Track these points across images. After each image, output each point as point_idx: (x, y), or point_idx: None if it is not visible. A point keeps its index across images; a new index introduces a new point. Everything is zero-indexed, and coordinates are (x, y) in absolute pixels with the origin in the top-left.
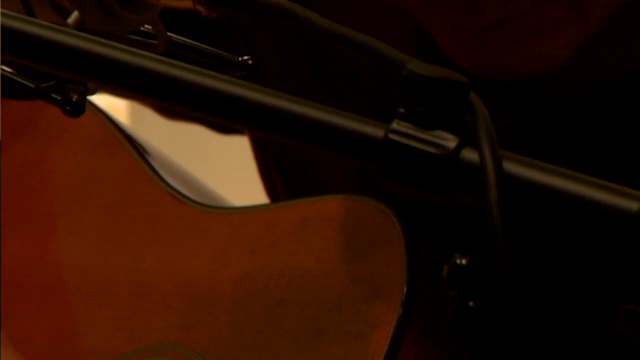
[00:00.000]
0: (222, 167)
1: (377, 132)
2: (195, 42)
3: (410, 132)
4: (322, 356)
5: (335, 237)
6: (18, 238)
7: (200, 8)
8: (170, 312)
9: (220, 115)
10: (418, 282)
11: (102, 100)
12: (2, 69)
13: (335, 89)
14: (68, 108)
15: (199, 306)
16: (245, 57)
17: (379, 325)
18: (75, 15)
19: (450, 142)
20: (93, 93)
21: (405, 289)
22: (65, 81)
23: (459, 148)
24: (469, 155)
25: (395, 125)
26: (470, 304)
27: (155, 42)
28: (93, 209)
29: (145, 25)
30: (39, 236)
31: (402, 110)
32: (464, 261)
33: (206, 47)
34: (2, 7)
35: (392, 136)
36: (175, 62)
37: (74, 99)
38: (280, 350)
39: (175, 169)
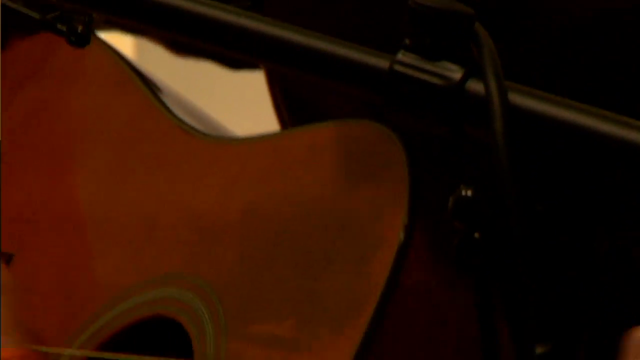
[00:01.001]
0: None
1: (382, 63)
2: None
3: (416, 63)
4: (327, 282)
5: (339, 162)
6: (31, 176)
7: None
8: (179, 243)
9: (226, 46)
10: (422, 207)
11: (109, 37)
12: (7, 2)
13: (340, 19)
14: (73, 39)
15: (207, 236)
16: None
17: (382, 246)
18: None
19: (456, 73)
20: (99, 26)
21: (407, 210)
22: (70, 12)
23: (464, 79)
24: (475, 86)
25: (400, 56)
26: (476, 235)
27: None
28: (104, 145)
29: None
30: (52, 173)
31: (407, 41)
32: (469, 193)
33: None
34: None
35: (397, 67)
36: None
37: (78, 30)
38: (286, 278)
39: (184, 103)
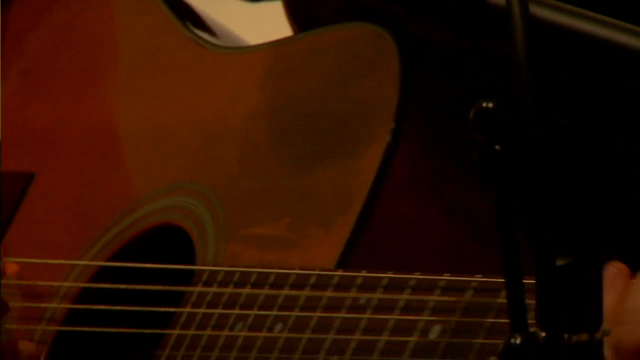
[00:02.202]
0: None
1: None
2: None
3: None
4: (318, 179)
5: (334, 65)
6: (55, 97)
7: None
8: (186, 152)
9: None
10: (415, 106)
11: None
12: None
13: None
14: None
15: (211, 143)
16: None
17: (372, 143)
18: None
19: None
20: None
21: (396, 108)
22: None
23: None
24: None
25: None
26: (497, 147)
27: None
28: (123, 63)
29: None
30: (74, 93)
31: None
32: (490, 105)
33: None
34: None
35: None
36: None
37: None
38: (282, 177)
39: (198, 14)
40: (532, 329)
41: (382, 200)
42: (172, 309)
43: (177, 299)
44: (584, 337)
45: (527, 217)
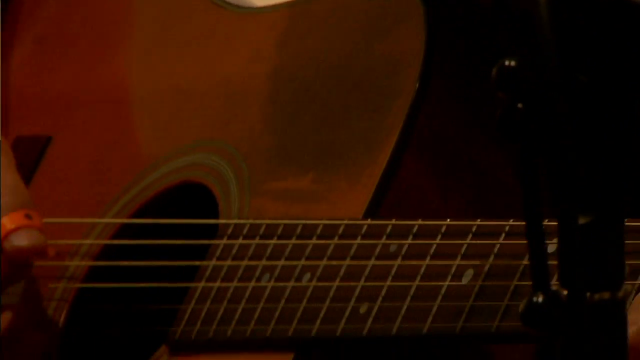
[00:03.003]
0: None
1: None
2: None
3: None
4: (345, 132)
5: (360, 19)
6: (67, 62)
7: None
8: (207, 112)
9: None
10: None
11: None
12: None
13: None
14: None
15: (233, 102)
16: None
17: (398, 97)
18: None
19: None
20: None
21: (422, 63)
22: None
23: None
24: None
25: None
26: (519, 105)
27: None
28: (138, 26)
29: None
30: (87, 59)
31: None
32: (512, 63)
33: None
34: None
35: None
36: None
37: None
38: (307, 133)
39: None
40: (554, 288)
41: (409, 151)
42: (197, 262)
43: (202, 255)
44: (606, 295)
45: (550, 175)
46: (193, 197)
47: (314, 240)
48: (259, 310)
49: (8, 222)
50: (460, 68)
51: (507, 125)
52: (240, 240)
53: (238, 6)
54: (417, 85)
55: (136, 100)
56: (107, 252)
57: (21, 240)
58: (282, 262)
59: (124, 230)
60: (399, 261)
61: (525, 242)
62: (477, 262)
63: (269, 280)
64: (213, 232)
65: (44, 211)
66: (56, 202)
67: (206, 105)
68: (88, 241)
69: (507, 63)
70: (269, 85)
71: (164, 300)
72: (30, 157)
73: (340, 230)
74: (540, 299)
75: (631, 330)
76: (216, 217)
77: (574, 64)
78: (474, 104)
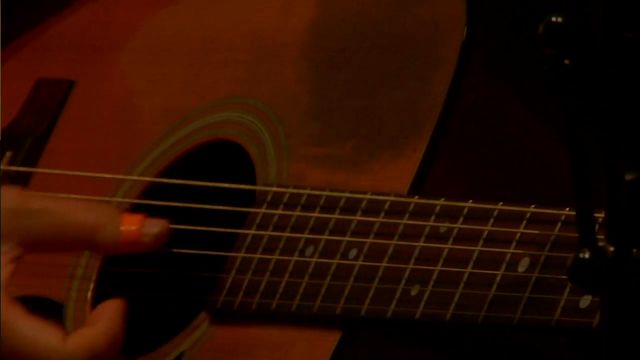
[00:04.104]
0: None
1: None
2: None
3: None
4: (384, 100)
5: None
6: (98, 2)
7: None
8: (237, 66)
9: None
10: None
11: None
12: None
13: None
14: None
15: (264, 58)
16: None
17: (441, 65)
18: None
19: None
20: None
21: (465, 29)
22: None
23: None
24: None
25: None
26: (566, 62)
27: None
28: None
29: None
30: (119, 0)
31: None
32: (559, 19)
33: None
34: None
35: None
36: None
37: None
38: (345, 96)
39: None
40: (600, 244)
41: (454, 121)
42: (237, 231)
43: (236, 220)
44: None
45: (597, 131)
46: (226, 156)
47: (359, 216)
48: (304, 285)
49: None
50: (501, 37)
51: (553, 81)
52: (280, 210)
53: None
54: (459, 54)
55: (163, 45)
56: (135, 210)
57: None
58: (326, 236)
59: (153, 188)
60: (449, 244)
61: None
62: (533, 252)
63: (313, 253)
64: (248, 196)
65: (69, 161)
66: (81, 151)
67: (236, 59)
68: (117, 199)
69: (554, 19)
70: (301, 42)
71: (198, 268)
72: (52, 101)
73: (387, 206)
74: (586, 255)
75: None
76: (250, 177)
77: (622, 20)
78: (515, 75)
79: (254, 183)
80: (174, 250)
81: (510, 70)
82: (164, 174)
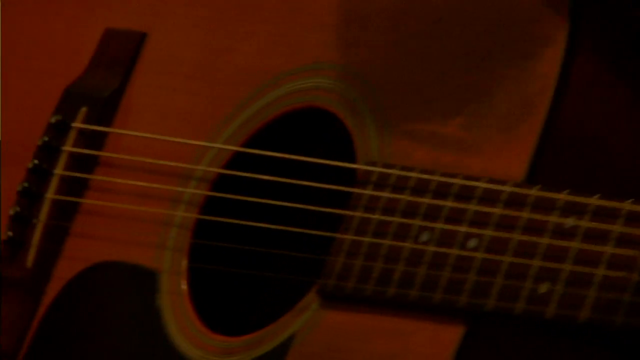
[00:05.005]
0: None
1: None
2: None
3: None
4: (491, 78)
5: None
6: None
7: None
8: (325, 30)
9: None
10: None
11: None
12: None
13: None
14: None
15: (355, 23)
16: None
17: (549, 44)
18: None
19: None
20: None
21: (572, 5)
22: None
23: None
24: None
25: None
26: None
27: None
28: None
29: None
30: None
31: None
32: None
33: None
34: None
35: None
36: None
37: None
38: (445, 71)
39: None
40: None
41: (565, 106)
42: (346, 212)
43: (338, 200)
44: None
45: None
46: (317, 124)
47: (475, 205)
48: (421, 275)
49: None
50: (610, 14)
51: None
52: (389, 193)
53: None
54: (569, 31)
55: (245, 4)
56: (224, 178)
57: None
58: (442, 225)
59: (242, 155)
60: (577, 242)
61: None
62: None
63: (428, 240)
64: (347, 171)
65: (148, 120)
66: (159, 111)
67: (323, 22)
68: (202, 167)
69: None
70: (394, 9)
71: (294, 247)
72: (124, 54)
73: (504, 195)
74: None
75: None
76: (345, 148)
77: None
78: (628, 40)
79: (346, 154)
80: (282, 227)
81: (622, 40)
82: (251, 141)
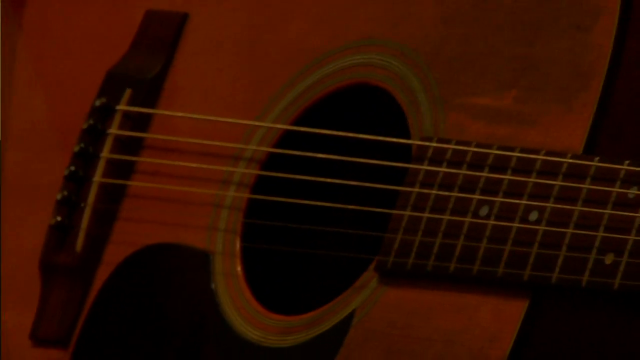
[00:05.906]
0: None
1: None
2: None
3: None
4: (544, 50)
5: None
6: None
7: None
8: (374, 5)
9: None
10: None
11: None
12: None
13: None
14: None
15: None
16: None
17: (602, 14)
18: None
19: None
20: None
21: None
22: None
23: None
24: None
25: None
26: None
27: None
28: None
29: None
30: None
31: None
32: None
33: None
34: None
35: None
36: None
37: None
38: (496, 44)
39: None
40: None
41: (621, 77)
42: (404, 188)
43: (392, 177)
44: None
45: None
46: (369, 101)
47: (535, 178)
48: (482, 249)
49: None
50: None
51: None
52: (445, 168)
53: None
54: (621, 3)
55: None
56: (274, 157)
57: None
58: (501, 198)
59: (291, 134)
60: None
61: None
62: None
63: (488, 214)
64: (400, 149)
65: (193, 100)
66: (205, 91)
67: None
68: (252, 147)
69: None
70: None
71: (350, 226)
72: (167, 35)
73: (564, 168)
74: None
75: None
76: (398, 125)
77: None
78: None
79: (400, 131)
80: (336, 205)
81: None
82: (301, 119)
